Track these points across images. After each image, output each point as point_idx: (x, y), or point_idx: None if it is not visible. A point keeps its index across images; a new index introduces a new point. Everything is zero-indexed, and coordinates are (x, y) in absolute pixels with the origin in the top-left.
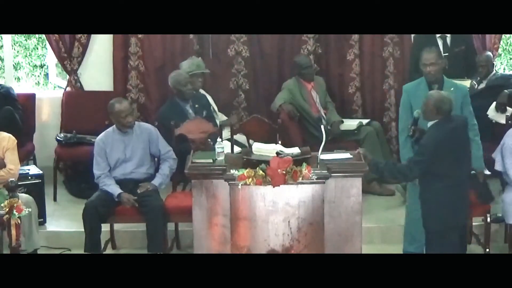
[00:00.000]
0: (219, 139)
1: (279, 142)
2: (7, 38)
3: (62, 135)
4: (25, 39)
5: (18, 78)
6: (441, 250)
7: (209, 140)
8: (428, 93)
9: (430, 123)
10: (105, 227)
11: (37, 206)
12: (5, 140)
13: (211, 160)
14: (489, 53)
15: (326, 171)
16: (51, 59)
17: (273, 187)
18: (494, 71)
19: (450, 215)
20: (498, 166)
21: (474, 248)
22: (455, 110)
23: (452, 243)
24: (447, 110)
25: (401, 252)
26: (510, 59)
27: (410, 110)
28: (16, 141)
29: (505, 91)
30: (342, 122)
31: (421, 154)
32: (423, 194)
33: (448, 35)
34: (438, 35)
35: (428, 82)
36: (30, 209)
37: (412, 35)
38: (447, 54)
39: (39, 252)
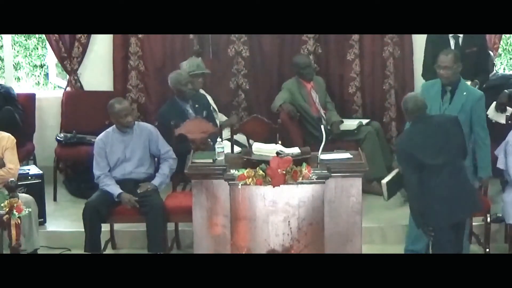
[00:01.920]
0: (219, 139)
1: (279, 142)
2: (7, 38)
3: (62, 135)
4: (25, 39)
5: (18, 78)
6: (440, 247)
7: (209, 140)
8: None
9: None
10: (105, 227)
11: (37, 206)
12: (4, 139)
13: (211, 160)
14: (490, 52)
15: (326, 171)
16: (51, 59)
17: (273, 187)
18: (494, 71)
19: (444, 211)
20: (500, 164)
21: (474, 248)
22: (462, 114)
23: (449, 239)
24: (412, 110)
25: (402, 252)
26: (510, 59)
27: None
28: (15, 140)
29: (505, 91)
30: (342, 122)
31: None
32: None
33: (461, 35)
34: (451, 35)
35: (442, 83)
36: (30, 209)
37: (419, 35)
38: None
39: (39, 252)
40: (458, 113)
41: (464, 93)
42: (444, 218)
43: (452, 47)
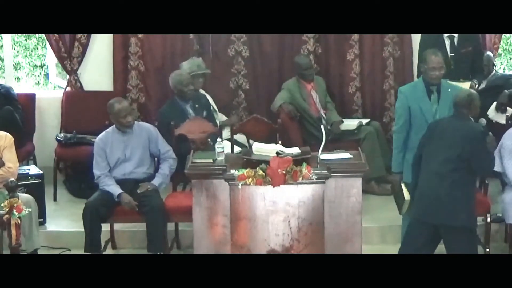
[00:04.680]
0: (219, 139)
1: (279, 142)
2: (7, 38)
3: (62, 135)
4: (25, 39)
5: (18, 78)
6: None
7: (209, 140)
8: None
9: None
10: (105, 227)
11: (37, 206)
12: (2, 139)
13: (211, 160)
14: (490, 53)
15: (326, 171)
16: (51, 59)
17: (273, 187)
18: (494, 71)
19: (417, 203)
20: (496, 167)
21: None
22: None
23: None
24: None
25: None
26: (510, 59)
27: (408, 111)
28: (13, 139)
29: (505, 91)
30: (342, 122)
31: None
32: None
33: (456, 35)
34: (445, 35)
35: (429, 84)
36: (30, 209)
37: (419, 35)
38: (453, 54)
39: (39, 252)
40: (449, 110)
41: (449, 90)
42: (414, 209)
43: (448, 47)
